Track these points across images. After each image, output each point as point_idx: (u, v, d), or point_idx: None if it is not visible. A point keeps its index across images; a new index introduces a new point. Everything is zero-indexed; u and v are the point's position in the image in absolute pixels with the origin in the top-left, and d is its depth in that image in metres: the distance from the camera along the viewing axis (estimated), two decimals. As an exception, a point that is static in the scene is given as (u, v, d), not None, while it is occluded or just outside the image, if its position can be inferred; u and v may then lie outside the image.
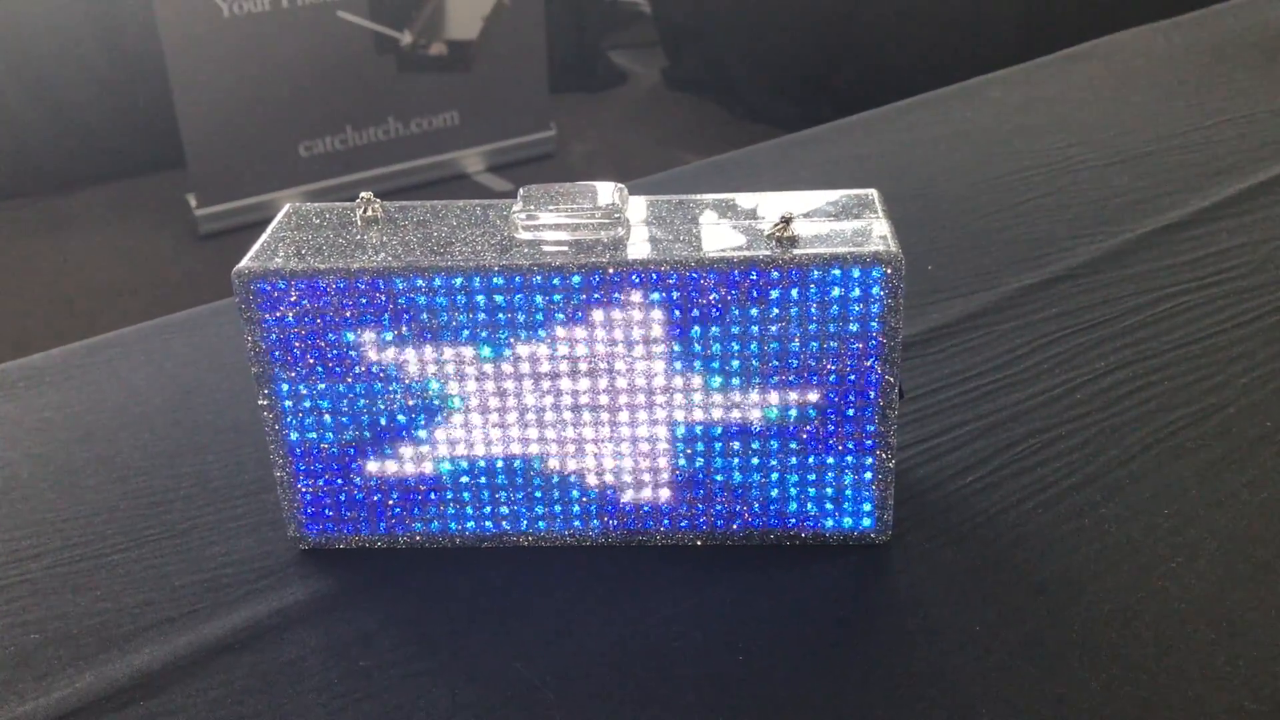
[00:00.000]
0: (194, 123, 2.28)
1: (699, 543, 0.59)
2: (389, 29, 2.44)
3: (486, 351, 0.54)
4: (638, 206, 0.57)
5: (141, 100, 2.51)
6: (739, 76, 2.81)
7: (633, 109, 2.98)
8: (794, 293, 0.53)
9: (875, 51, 2.58)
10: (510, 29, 2.55)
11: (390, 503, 0.58)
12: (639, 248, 0.53)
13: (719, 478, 0.57)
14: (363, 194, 0.57)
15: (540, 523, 0.58)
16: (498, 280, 0.53)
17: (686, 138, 2.76)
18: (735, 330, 0.54)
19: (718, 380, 0.55)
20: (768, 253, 0.52)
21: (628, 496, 0.58)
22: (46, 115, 2.50)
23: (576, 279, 0.53)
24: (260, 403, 0.55)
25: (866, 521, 0.58)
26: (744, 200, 0.57)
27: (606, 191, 0.55)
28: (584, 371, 0.55)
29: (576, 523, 0.58)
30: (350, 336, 0.54)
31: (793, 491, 0.57)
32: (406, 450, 0.57)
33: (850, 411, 0.55)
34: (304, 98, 2.38)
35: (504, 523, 0.58)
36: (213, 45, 2.24)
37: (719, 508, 0.58)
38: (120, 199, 2.53)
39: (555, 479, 0.57)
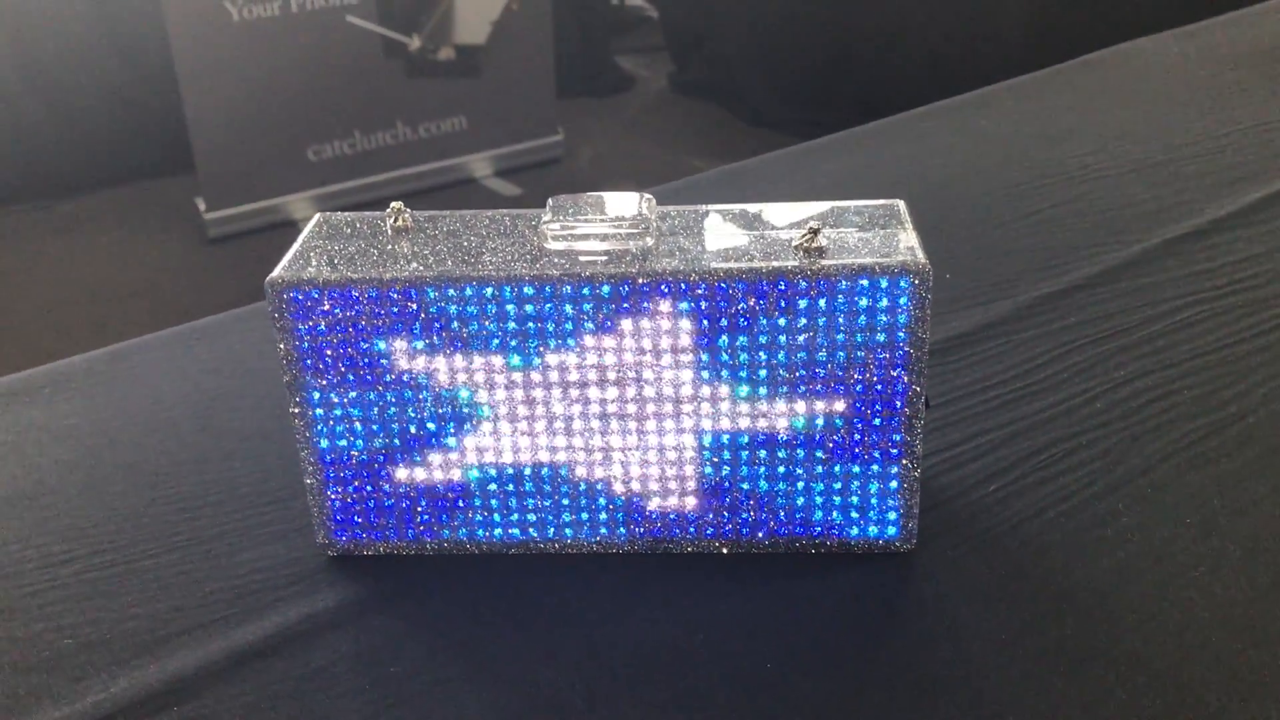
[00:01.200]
0: (203, 127, 2.28)
1: (725, 551, 0.59)
2: (397, 34, 2.45)
3: (516, 360, 0.55)
4: (665, 216, 0.58)
5: (151, 104, 2.52)
6: (746, 81, 2.81)
7: (640, 114, 2.99)
8: (821, 303, 0.53)
9: (883, 57, 2.59)
10: (518, 34, 2.56)
11: (419, 510, 0.58)
12: (667, 258, 0.54)
13: (745, 486, 0.57)
14: (393, 204, 0.58)
15: (568, 530, 0.59)
16: (528, 290, 0.53)
17: (693, 142, 2.76)
18: (763, 340, 0.54)
19: (745, 389, 0.55)
20: (795, 263, 0.53)
21: (654, 504, 0.58)
22: (56, 119, 2.51)
23: (606, 289, 0.53)
24: (291, 410, 0.56)
25: (892, 530, 0.58)
26: (771, 210, 0.58)
27: (635, 202, 0.56)
28: (612, 380, 0.55)
29: (604, 530, 0.59)
30: (381, 345, 0.55)
31: (819, 500, 0.57)
32: (436, 458, 0.57)
33: (876, 421, 0.56)
34: (313, 102, 2.39)
35: (531, 530, 0.59)
36: (222, 50, 2.25)
37: (745, 516, 0.58)
38: (129, 203, 2.54)
39: (583, 487, 0.58)
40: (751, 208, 0.58)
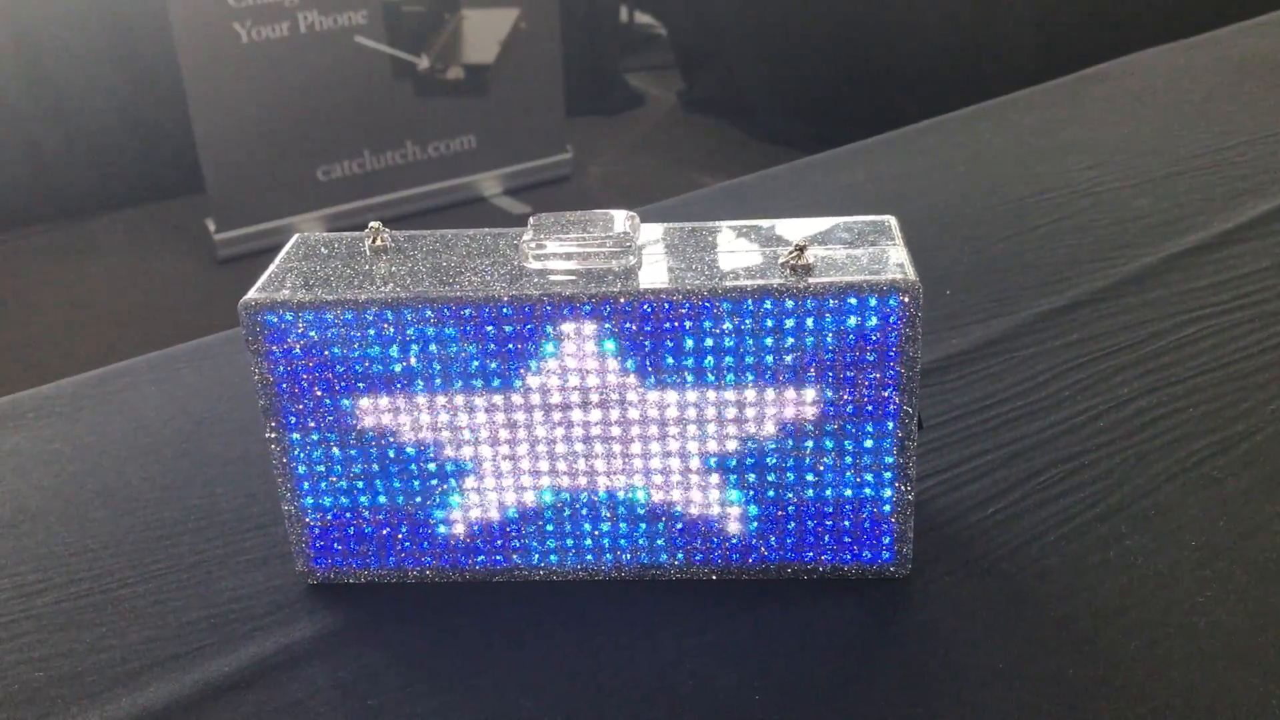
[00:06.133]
0: (213, 148, 2.29)
1: (714, 577, 0.57)
2: (406, 53, 2.45)
3: (496, 383, 0.54)
4: (650, 234, 0.56)
5: (161, 126, 2.53)
6: (755, 98, 2.81)
7: (649, 131, 2.98)
8: (809, 322, 0.52)
9: (891, 73, 2.58)
10: (527, 53, 2.56)
11: (400, 536, 0.57)
12: (651, 276, 0.53)
13: (734, 510, 0.56)
14: (372, 223, 0.56)
15: (552, 557, 0.57)
16: (507, 310, 0.52)
17: (703, 160, 2.75)
18: (749, 360, 0.53)
19: (732, 411, 0.54)
20: (781, 281, 0.51)
21: (641, 530, 0.56)
22: (67, 141, 2.52)
23: (587, 309, 0.52)
24: (268, 435, 0.55)
25: (885, 555, 0.56)
26: (758, 227, 0.57)
27: (618, 220, 0.54)
28: (595, 403, 0.54)
29: (589, 557, 0.57)
30: (358, 368, 0.53)
31: (809, 524, 0.56)
32: (416, 483, 0.56)
33: (868, 443, 0.54)
34: (322, 122, 2.39)
35: (515, 557, 0.57)
36: (231, 71, 2.25)
37: (734, 541, 0.56)
38: (140, 224, 2.55)
39: (567, 512, 0.56)
40: (739, 224, 0.57)
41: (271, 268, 0.55)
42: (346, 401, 0.54)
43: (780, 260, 0.53)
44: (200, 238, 2.43)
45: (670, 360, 0.53)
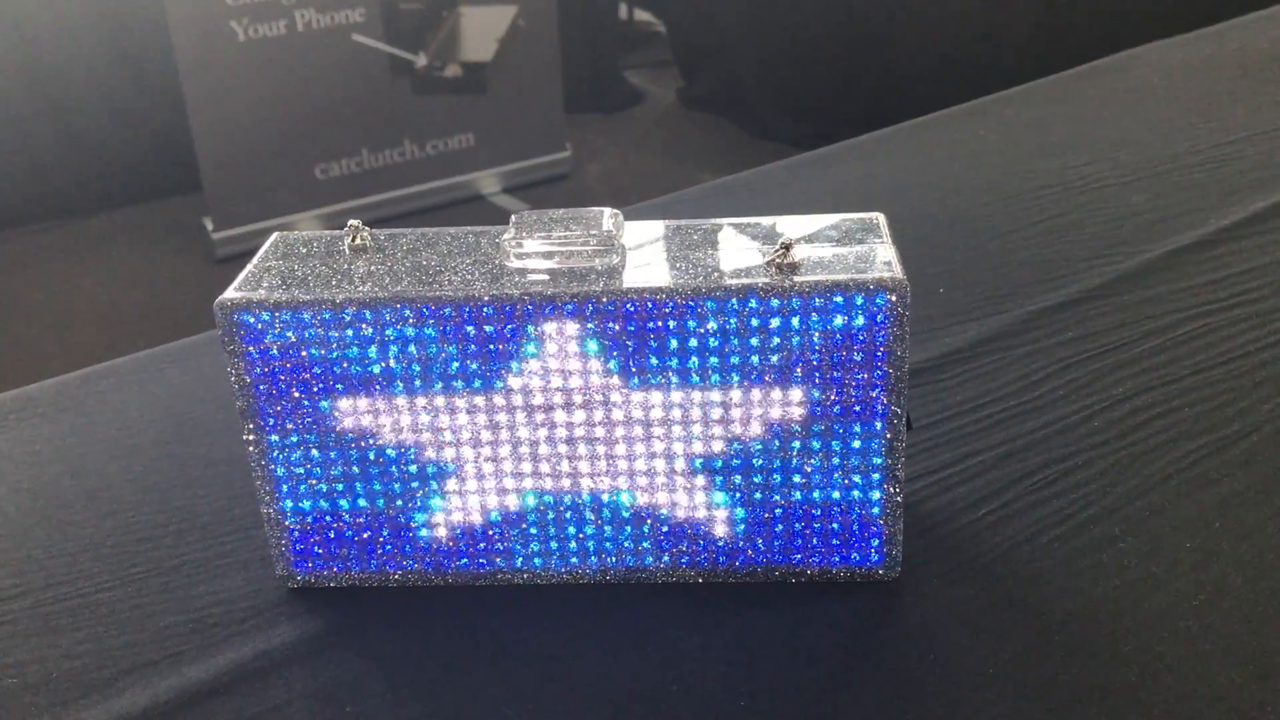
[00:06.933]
0: (210, 146, 2.28)
1: (700, 580, 0.56)
2: (404, 51, 2.44)
3: (477, 384, 0.53)
4: (635, 232, 0.55)
5: (158, 125, 2.52)
6: (754, 96, 2.80)
7: (648, 129, 2.97)
8: (795, 321, 0.51)
9: (889, 70, 2.57)
10: (525, 50, 2.55)
11: (381, 539, 0.56)
12: (634, 275, 0.52)
13: (721, 513, 0.55)
14: (351, 222, 0.56)
15: (536, 560, 0.56)
16: (488, 310, 0.51)
17: (702, 157, 2.74)
18: (734, 360, 0.52)
19: (718, 412, 0.53)
20: (767, 280, 0.50)
21: (626, 532, 0.56)
22: (64, 140, 2.51)
23: (569, 308, 0.51)
24: (246, 438, 0.54)
25: (874, 558, 0.55)
26: (744, 225, 0.56)
27: (601, 218, 0.53)
28: (579, 403, 0.53)
29: (573, 560, 0.56)
30: (337, 369, 0.53)
31: (797, 527, 0.55)
32: (396, 485, 0.55)
33: (856, 444, 0.53)
34: (319, 121, 2.38)
35: (498, 560, 0.56)
36: (228, 69, 2.24)
37: (720, 544, 0.56)
38: (137, 223, 2.54)
39: (551, 515, 0.55)
40: (725, 222, 0.56)
41: (249, 267, 0.54)
42: (325, 403, 0.53)
43: (766, 259, 0.52)
44: (198, 236, 2.42)
45: (654, 360, 0.52)
